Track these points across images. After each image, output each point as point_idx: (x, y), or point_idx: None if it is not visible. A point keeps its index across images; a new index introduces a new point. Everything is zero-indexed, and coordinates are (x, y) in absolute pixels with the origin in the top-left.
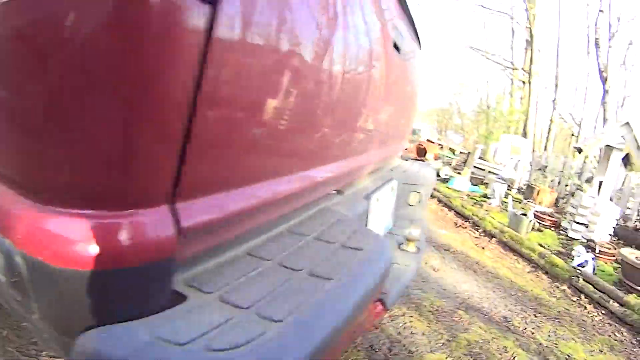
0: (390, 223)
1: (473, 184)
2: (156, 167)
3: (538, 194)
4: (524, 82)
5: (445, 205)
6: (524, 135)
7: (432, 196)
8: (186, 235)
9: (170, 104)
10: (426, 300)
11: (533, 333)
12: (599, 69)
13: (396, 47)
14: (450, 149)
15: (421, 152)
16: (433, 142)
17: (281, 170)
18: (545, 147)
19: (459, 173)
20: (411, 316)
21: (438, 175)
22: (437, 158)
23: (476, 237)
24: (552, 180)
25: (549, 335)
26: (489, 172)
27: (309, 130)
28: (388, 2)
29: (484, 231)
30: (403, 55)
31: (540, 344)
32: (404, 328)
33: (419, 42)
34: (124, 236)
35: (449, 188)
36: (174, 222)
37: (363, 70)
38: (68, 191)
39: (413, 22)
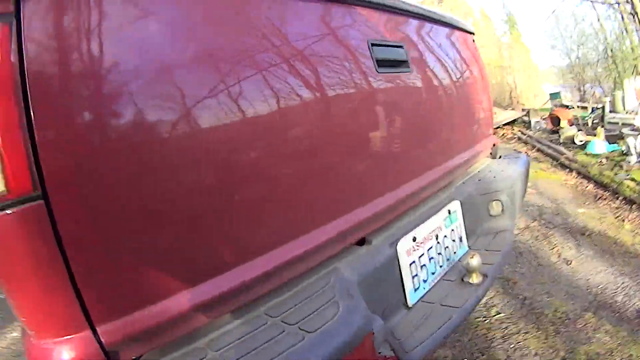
0: (461, 249)
1: (610, 143)
2: (59, 309)
3: None
4: (632, 14)
5: (585, 176)
6: None
7: (570, 168)
8: (116, 345)
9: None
10: (550, 307)
11: None
12: None
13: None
14: (581, 107)
15: (555, 122)
16: (567, 107)
17: (243, 256)
18: None
19: (595, 135)
20: (526, 332)
21: (573, 142)
22: (571, 123)
23: (616, 208)
24: None
25: None
26: (622, 124)
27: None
28: (373, 20)
29: (624, 198)
30: (411, 63)
31: None
32: (515, 350)
33: (460, 29)
34: (62, 352)
35: (587, 154)
36: (95, 340)
37: (353, 108)
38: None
39: (440, 20)
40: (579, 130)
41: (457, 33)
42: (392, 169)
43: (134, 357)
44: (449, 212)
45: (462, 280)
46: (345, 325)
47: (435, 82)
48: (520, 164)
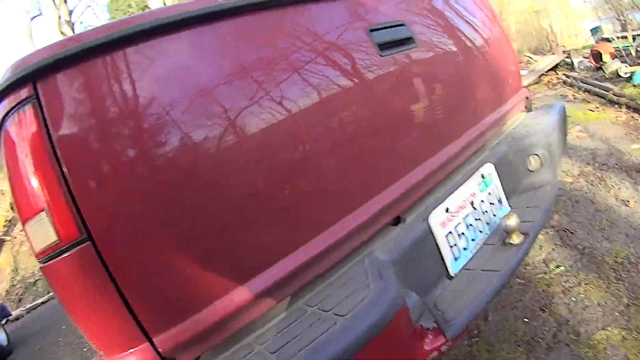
0: (502, 210)
1: None
2: (118, 329)
3: None
4: None
5: (635, 109)
6: None
7: (619, 104)
8: (173, 351)
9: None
10: (610, 254)
11: None
12: None
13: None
14: (621, 37)
15: (597, 58)
16: (608, 40)
17: (277, 254)
18: None
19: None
20: (587, 283)
21: (619, 75)
22: (614, 56)
23: None
24: None
25: None
26: None
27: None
28: (369, 7)
29: None
30: (416, 38)
31: None
32: (577, 302)
33: None
34: None
35: (635, 86)
36: (153, 350)
37: (363, 94)
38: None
39: None
40: (622, 62)
41: None
42: (419, 142)
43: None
44: (483, 176)
45: (504, 242)
46: (374, 306)
47: (448, 50)
48: (554, 113)
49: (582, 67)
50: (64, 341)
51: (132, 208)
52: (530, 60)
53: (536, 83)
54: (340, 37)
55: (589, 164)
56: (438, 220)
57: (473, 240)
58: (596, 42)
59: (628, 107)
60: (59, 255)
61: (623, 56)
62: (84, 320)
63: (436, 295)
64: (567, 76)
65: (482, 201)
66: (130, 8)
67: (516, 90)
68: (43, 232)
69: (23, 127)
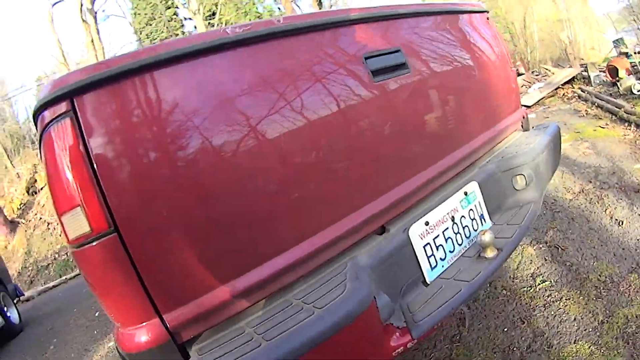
0: (484, 226)
1: None
2: (135, 306)
3: None
4: None
5: None
6: None
7: (628, 122)
8: (178, 327)
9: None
10: (595, 272)
11: None
12: None
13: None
14: (638, 52)
15: (613, 73)
16: (627, 55)
17: (271, 253)
18: None
19: None
20: (568, 299)
21: (632, 92)
22: (629, 72)
23: None
24: None
25: None
26: None
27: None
28: (367, 35)
29: None
30: (410, 64)
31: None
32: (555, 316)
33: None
34: (138, 337)
35: None
36: (162, 324)
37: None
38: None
39: (440, 11)
40: (637, 79)
41: (463, 17)
42: (409, 158)
43: (192, 335)
44: (466, 194)
45: (479, 255)
46: (345, 302)
47: (441, 75)
48: (547, 134)
49: (597, 82)
50: (76, 323)
51: (153, 207)
52: (548, 72)
53: (552, 96)
54: (336, 65)
55: (590, 181)
56: (417, 232)
57: (451, 251)
58: (617, 55)
59: (637, 125)
60: (90, 243)
61: (639, 72)
62: (106, 297)
63: (410, 299)
64: (583, 90)
65: (463, 217)
66: None
67: (513, 110)
68: (77, 223)
69: (62, 136)
